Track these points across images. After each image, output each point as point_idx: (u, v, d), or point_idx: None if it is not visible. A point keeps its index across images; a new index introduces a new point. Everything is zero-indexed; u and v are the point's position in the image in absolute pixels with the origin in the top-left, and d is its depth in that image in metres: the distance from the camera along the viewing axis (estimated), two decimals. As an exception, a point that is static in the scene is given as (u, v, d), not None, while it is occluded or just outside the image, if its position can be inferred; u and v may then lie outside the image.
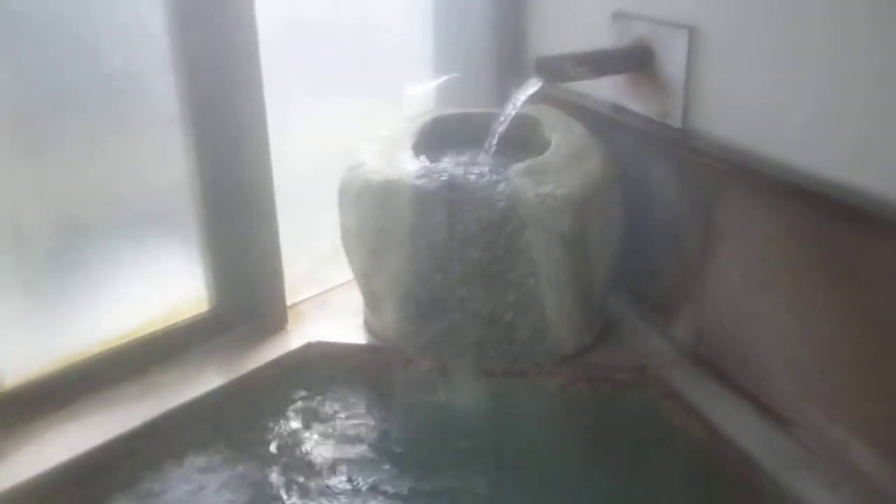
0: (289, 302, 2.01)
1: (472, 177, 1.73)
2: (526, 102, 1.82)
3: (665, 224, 1.83)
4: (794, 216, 1.49)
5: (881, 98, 1.33)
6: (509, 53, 2.16)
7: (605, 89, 1.97)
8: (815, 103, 1.45)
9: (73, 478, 1.54)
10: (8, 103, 1.50)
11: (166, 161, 1.76)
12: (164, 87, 1.71)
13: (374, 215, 1.76)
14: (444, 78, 2.20)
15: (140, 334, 1.80)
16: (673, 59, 1.76)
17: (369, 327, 1.96)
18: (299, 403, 1.86)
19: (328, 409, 1.86)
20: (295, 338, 1.94)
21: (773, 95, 1.54)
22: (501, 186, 1.70)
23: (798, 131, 1.49)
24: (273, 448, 1.75)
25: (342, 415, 1.85)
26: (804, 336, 1.51)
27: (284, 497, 1.64)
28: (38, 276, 1.62)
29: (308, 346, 1.91)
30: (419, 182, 1.72)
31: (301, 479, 1.68)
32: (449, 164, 1.83)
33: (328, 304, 2.09)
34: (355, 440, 1.80)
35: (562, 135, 1.87)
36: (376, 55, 2.07)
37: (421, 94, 2.14)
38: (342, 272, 2.05)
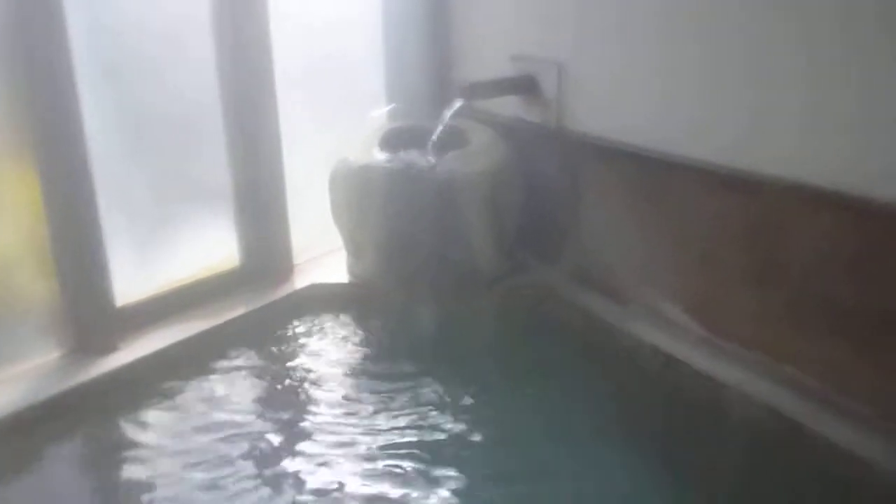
0: (294, 262, 2.84)
1: (423, 162, 2.61)
2: (454, 115, 2.71)
3: (550, 191, 2.75)
4: (627, 172, 2.43)
5: (673, 93, 2.28)
6: (439, 82, 3.08)
7: (507, 107, 2.88)
8: (643, 105, 2.39)
9: (160, 362, 2.33)
10: (126, 120, 2.34)
11: (215, 162, 2.60)
12: (213, 111, 2.56)
13: (357, 189, 2.62)
14: (392, 105, 3.10)
15: (198, 278, 2.60)
16: (549, 84, 2.70)
17: (353, 274, 2.80)
18: (303, 323, 2.66)
19: (324, 326, 2.67)
20: (299, 283, 2.77)
21: (613, 102, 2.47)
22: (441, 167, 2.59)
23: (629, 123, 2.43)
24: (285, 350, 2.54)
25: (335, 330, 2.66)
26: (639, 247, 2.44)
27: (292, 380, 2.40)
28: (138, 232, 2.44)
29: (310, 287, 2.75)
30: (388, 165, 2.59)
31: (303, 371, 2.45)
32: (405, 156, 2.70)
33: (320, 263, 2.93)
34: (344, 345, 2.59)
35: (478, 136, 2.78)
36: (348, 87, 2.97)
37: (379, 113, 3.02)
38: (329, 242, 2.88)
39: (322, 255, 2.96)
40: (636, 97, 2.38)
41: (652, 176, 2.35)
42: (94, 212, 2.30)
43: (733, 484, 1.88)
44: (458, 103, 2.70)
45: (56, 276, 2.28)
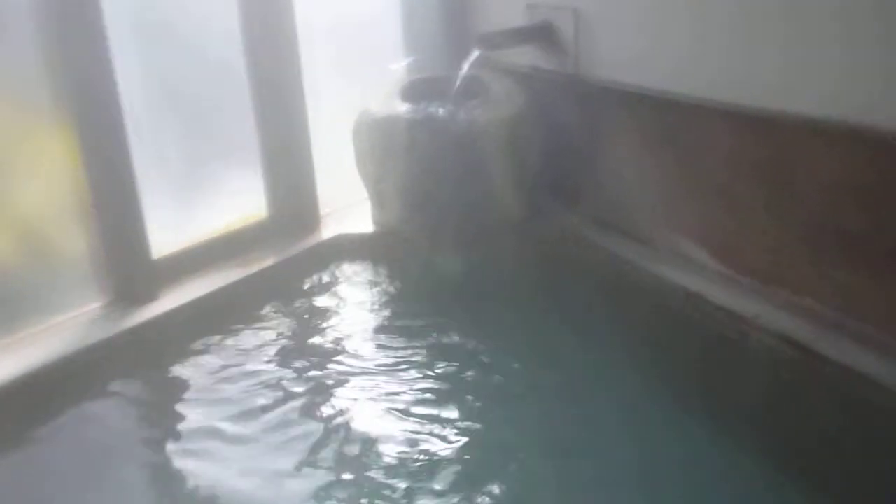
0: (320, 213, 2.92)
1: (443, 111, 2.66)
2: (472, 66, 2.76)
3: (569, 138, 2.80)
4: (645, 115, 2.47)
5: (690, 34, 2.31)
6: (457, 33, 3.11)
7: (525, 57, 2.92)
8: (660, 49, 2.42)
9: (197, 311, 2.43)
10: (157, 78, 2.41)
11: (242, 116, 2.68)
12: (238, 67, 2.64)
13: (382, 139, 2.68)
14: (412, 59, 3.15)
15: (228, 230, 2.69)
16: (566, 31, 2.73)
17: (377, 223, 2.87)
18: (330, 272, 2.76)
19: (351, 274, 2.76)
20: (326, 233, 2.86)
21: (629, 46, 2.51)
22: (462, 115, 2.64)
23: (646, 66, 2.46)
24: (313, 298, 2.64)
25: (361, 277, 2.76)
26: (657, 188, 2.49)
27: (320, 321, 2.51)
28: (171, 187, 2.53)
29: (336, 237, 2.84)
30: (409, 116, 2.65)
31: (330, 314, 2.55)
32: (426, 106, 2.75)
33: (346, 214, 3.00)
34: (371, 292, 2.69)
35: (497, 85, 2.82)
36: (368, 41, 3.01)
37: (399, 66, 3.07)
38: (355, 194, 2.95)
39: (348, 206, 3.04)
40: (652, 41, 2.41)
41: (669, 118, 2.39)
42: (129, 167, 2.38)
43: (753, 408, 1.95)
44: (475, 53, 2.74)
45: (95, 230, 2.38)
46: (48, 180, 2.26)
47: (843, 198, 1.94)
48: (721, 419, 1.93)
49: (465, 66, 2.75)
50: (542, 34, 2.81)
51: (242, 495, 1.75)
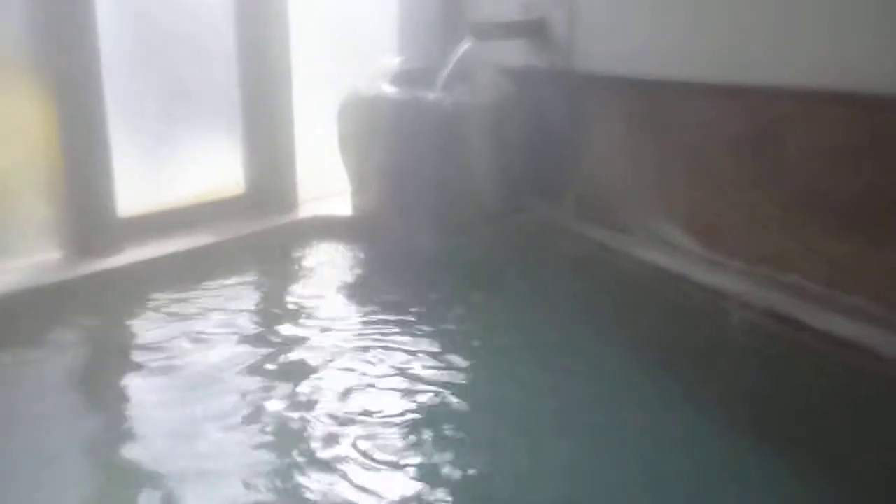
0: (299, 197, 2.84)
1: (431, 95, 2.62)
2: (462, 56, 2.74)
3: (556, 133, 2.75)
4: (629, 100, 2.43)
5: (687, 26, 2.29)
6: (451, 26, 3.11)
7: (517, 55, 2.89)
8: (639, 38, 2.40)
9: (155, 268, 2.32)
10: (140, 34, 2.39)
11: (226, 85, 2.64)
12: (226, 33, 2.61)
13: (366, 119, 2.63)
14: (404, 57, 3.14)
15: (203, 199, 2.61)
16: (559, 25, 2.72)
17: (357, 208, 2.79)
18: (303, 248, 2.64)
19: (323, 252, 2.64)
20: (302, 213, 2.77)
21: (619, 36, 2.48)
22: (449, 100, 2.60)
23: (634, 54, 2.43)
24: (281, 270, 2.52)
25: (333, 256, 2.64)
26: (638, 176, 2.43)
27: (284, 292, 2.37)
28: (147, 147, 2.47)
29: (313, 217, 2.75)
30: (396, 96, 2.61)
31: (296, 287, 2.43)
32: (414, 90, 2.71)
33: (325, 202, 2.91)
34: (341, 268, 2.57)
35: (485, 75, 2.79)
36: (363, 34, 3.01)
37: (391, 59, 3.05)
38: (336, 185, 2.88)
39: (328, 195, 2.96)
40: (644, 30, 2.38)
41: (654, 104, 2.35)
42: (102, 122, 2.32)
43: (735, 379, 1.83)
44: (466, 44, 2.73)
45: (62, 181, 2.30)
46: (21, 131, 2.20)
47: (831, 164, 1.88)
48: (702, 391, 1.80)
49: (456, 56, 2.73)
50: (534, 29, 2.80)
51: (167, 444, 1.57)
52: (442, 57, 2.86)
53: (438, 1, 3.07)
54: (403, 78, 2.82)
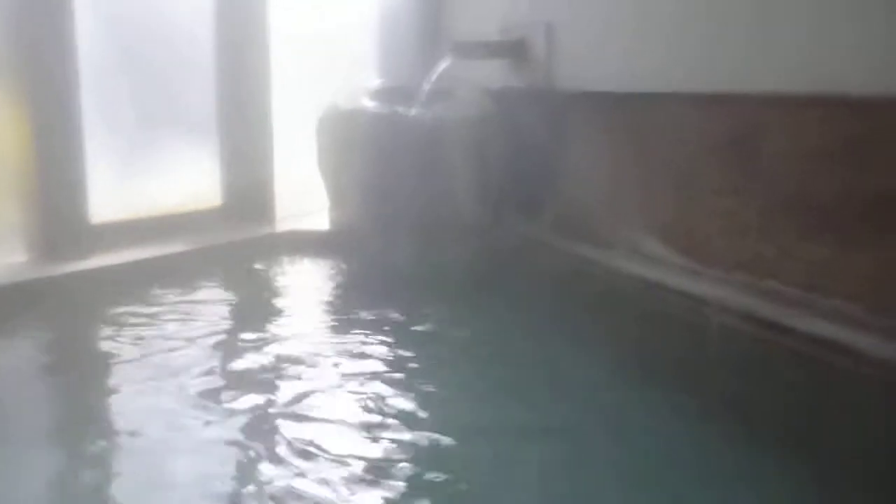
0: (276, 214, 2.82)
1: (409, 110, 2.63)
2: (442, 74, 2.75)
3: (535, 151, 2.75)
4: (608, 114, 2.44)
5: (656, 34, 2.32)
6: (431, 41, 3.14)
7: (496, 76, 2.92)
8: (619, 56, 2.42)
9: (125, 273, 2.28)
10: (119, 40, 2.39)
11: (202, 97, 2.64)
12: (205, 44, 2.62)
13: (345, 132, 2.63)
14: (384, 80, 3.16)
15: (178, 210, 2.58)
16: (538, 46, 2.74)
17: (334, 222, 2.76)
18: (278, 261, 2.61)
19: (298, 266, 2.62)
20: (279, 227, 2.74)
21: (596, 53, 2.51)
22: (429, 115, 2.60)
23: (611, 70, 2.46)
24: (254, 278, 2.49)
25: (308, 267, 2.62)
26: (616, 191, 2.42)
27: (257, 301, 2.34)
28: (122, 154, 2.45)
29: (290, 231, 2.73)
30: (375, 110, 2.61)
31: (268, 296, 2.40)
32: (393, 105, 2.71)
33: (303, 220, 2.89)
34: (315, 281, 2.55)
35: (465, 92, 2.80)
36: (343, 53, 3.03)
37: (371, 74, 3.08)
38: (313, 204, 2.85)
39: (305, 213, 2.94)
40: (616, 45, 2.42)
41: (628, 114, 2.37)
42: (77, 126, 2.31)
43: (712, 379, 1.80)
44: (446, 62, 2.74)
45: (35, 186, 2.27)
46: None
47: (808, 168, 1.87)
48: (680, 391, 1.76)
49: (436, 73, 2.74)
50: (514, 50, 2.83)
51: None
52: (421, 75, 2.87)
53: (418, 19, 3.10)
54: (383, 94, 2.83)
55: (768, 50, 1.96)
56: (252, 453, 1.39)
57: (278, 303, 2.36)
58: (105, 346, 1.91)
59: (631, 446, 1.50)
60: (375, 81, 2.98)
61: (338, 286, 2.55)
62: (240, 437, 1.45)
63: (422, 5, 3.08)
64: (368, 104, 2.66)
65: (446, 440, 1.46)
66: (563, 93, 2.64)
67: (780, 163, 1.94)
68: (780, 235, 1.95)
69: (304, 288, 2.48)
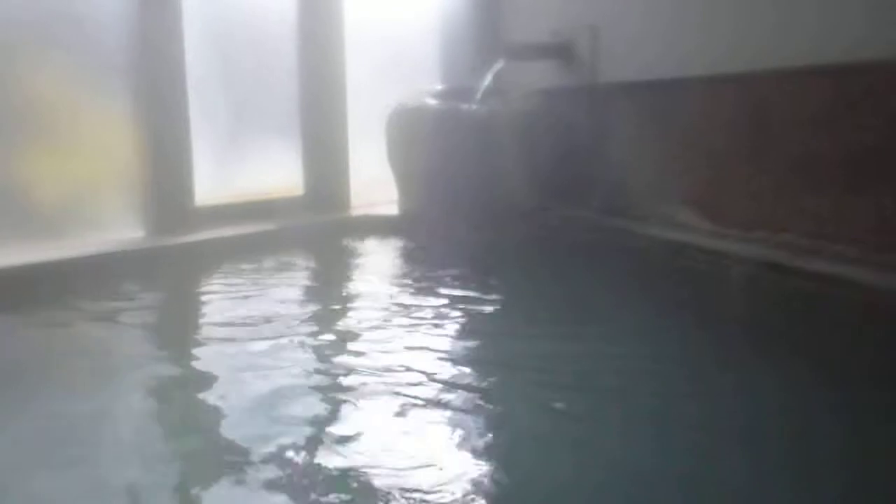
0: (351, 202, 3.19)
1: (467, 106, 2.97)
2: (496, 74, 3.08)
3: (581, 139, 3.04)
4: (648, 105, 2.73)
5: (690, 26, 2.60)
6: (487, 45, 3.47)
7: (545, 77, 3.23)
8: (654, 49, 2.71)
9: (222, 246, 2.66)
10: (219, 51, 2.81)
11: (288, 103, 3.04)
12: (289, 56, 3.02)
13: (411, 127, 2.98)
14: (446, 85, 3.51)
15: (267, 197, 2.97)
16: (583, 47, 3.05)
17: (402, 209, 3.11)
18: (352, 241, 2.96)
19: (371, 243, 2.97)
20: (354, 212, 3.10)
21: (635, 51, 2.80)
22: (484, 109, 2.94)
23: (648, 61, 2.74)
24: (333, 254, 2.85)
25: (380, 246, 2.96)
26: (651, 169, 2.70)
27: (337, 273, 2.68)
28: (221, 148, 2.85)
29: (364, 215, 3.08)
30: (437, 107, 2.96)
31: (346, 269, 2.73)
32: (454, 102, 3.06)
33: (373, 209, 3.24)
34: (385, 257, 2.88)
35: (517, 90, 3.13)
36: (407, 59, 3.41)
37: (433, 77, 3.44)
38: (383, 196, 3.21)
39: (377, 203, 3.29)
40: (651, 39, 2.71)
41: (661, 99, 2.66)
42: (184, 126, 2.73)
43: (740, 321, 2.03)
44: (500, 63, 3.08)
45: (150, 175, 2.69)
46: (113, 126, 2.63)
47: (811, 131, 2.13)
48: (709, 328, 1.98)
49: (491, 74, 3.08)
50: (562, 52, 3.14)
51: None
52: (478, 76, 3.21)
53: (476, 26, 3.45)
54: (444, 94, 3.18)
55: (783, 30, 2.22)
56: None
57: (350, 274, 2.70)
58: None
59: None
60: (437, 83, 3.34)
61: (403, 263, 2.87)
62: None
63: (479, 13, 3.43)
64: (431, 102, 3.01)
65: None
66: (604, 86, 2.93)
67: (785, 130, 2.20)
68: (791, 193, 2.19)
69: (375, 264, 2.81)
